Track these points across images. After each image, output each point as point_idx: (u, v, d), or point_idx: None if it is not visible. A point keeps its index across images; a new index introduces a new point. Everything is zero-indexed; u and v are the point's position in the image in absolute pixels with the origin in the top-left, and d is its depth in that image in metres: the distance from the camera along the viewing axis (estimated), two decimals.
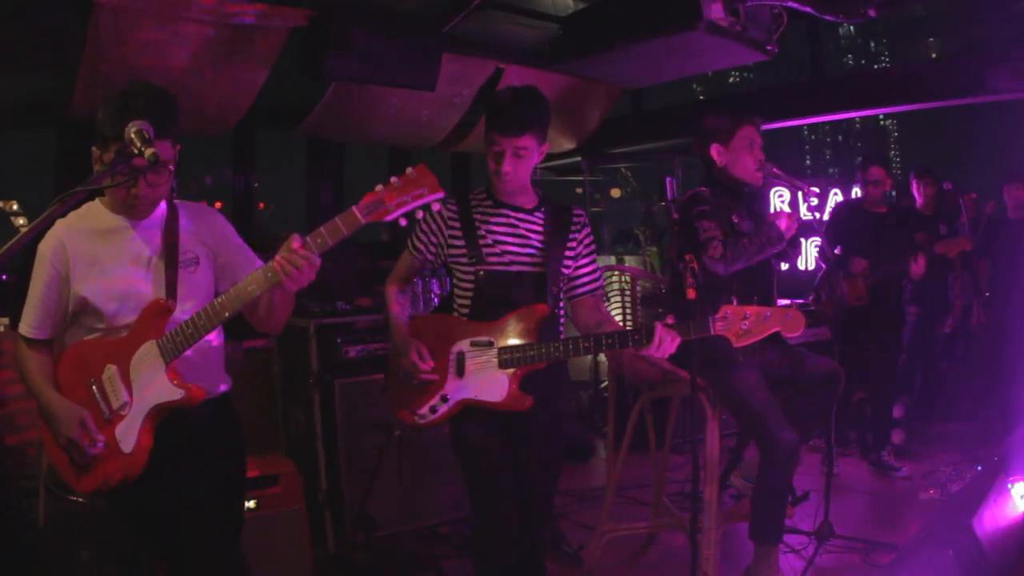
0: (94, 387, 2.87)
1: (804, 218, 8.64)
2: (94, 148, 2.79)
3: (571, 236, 3.51)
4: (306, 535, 4.65)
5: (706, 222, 4.20)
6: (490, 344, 3.34)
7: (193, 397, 2.85)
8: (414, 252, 3.55)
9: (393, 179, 2.75)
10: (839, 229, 6.60)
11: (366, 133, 7.12)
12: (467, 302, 3.44)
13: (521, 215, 3.47)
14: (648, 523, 5.07)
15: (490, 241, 3.41)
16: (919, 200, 7.52)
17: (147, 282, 2.91)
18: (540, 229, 3.47)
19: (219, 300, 2.83)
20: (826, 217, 7.58)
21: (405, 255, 3.60)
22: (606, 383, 8.28)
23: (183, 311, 2.91)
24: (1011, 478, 4.27)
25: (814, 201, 4.70)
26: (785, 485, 4.26)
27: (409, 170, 2.76)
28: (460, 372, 3.36)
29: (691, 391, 3.62)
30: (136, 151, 2.48)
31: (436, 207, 2.94)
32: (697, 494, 3.58)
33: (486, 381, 3.33)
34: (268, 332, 3.27)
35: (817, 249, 7.09)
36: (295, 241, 2.71)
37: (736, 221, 4.29)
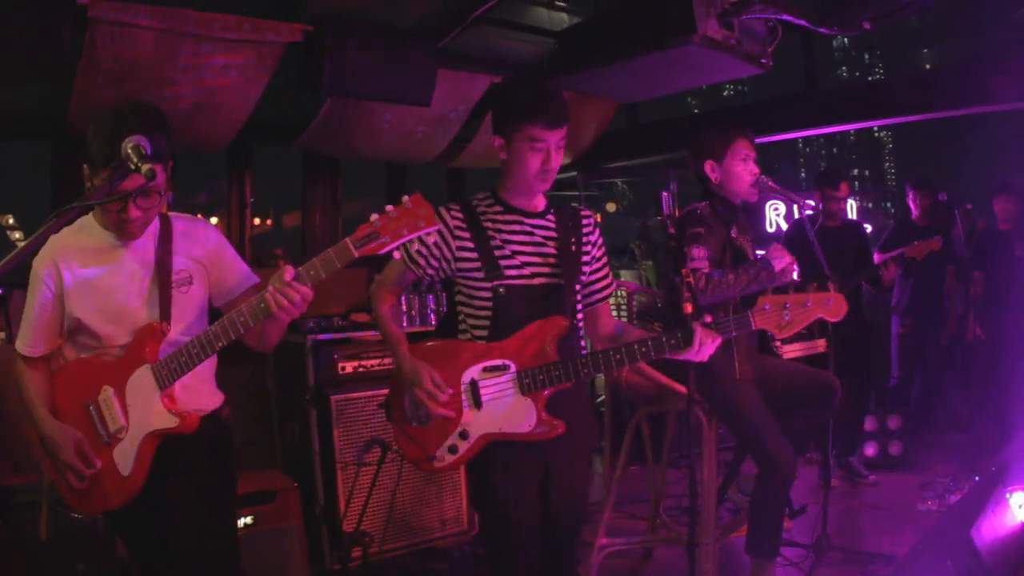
0: (91, 409, 2.87)
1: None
2: (85, 167, 2.78)
3: (585, 239, 3.26)
4: (303, 551, 4.65)
5: (695, 248, 4.12)
6: (506, 367, 3.03)
7: (188, 425, 2.86)
8: (411, 265, 3.15)
9: (389, 208, 2.68)
10: (797, 247, 6.61)
11: (361, 149, 7.13)
12: (484, 323, 3.10)
13: (535, 220, 3.18)
14: (645, 537, 5.06)
15: (508, 252, 3.10)
16: (914, 211, 7.55)
17: (141, 303, 2.91)
18: (555, 235, 3.18)
19: (212, 330, 2.82)
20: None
21: (396, 266, 3.21)
22: (602, 397, 8.28)
23: (176, 332, 2.93)
24: (1009, 488, 4.26)
25: (807, 214, 4.71)
26: (782, 498, 4.26)
27: (405, 199, 2.69)
28: (476, 403, 3.04)
29: (688, 405, 3.61)
30: (133, 167, 2.47)
31: (433, 239, 2.88)
32: (694, 508, 3.56)
33: (509, 410, 3.02)
34: (260, 350, 3.18)
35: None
36: (288, 273, 2.68)
37: (734, 236, 4.28)
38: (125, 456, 2.84)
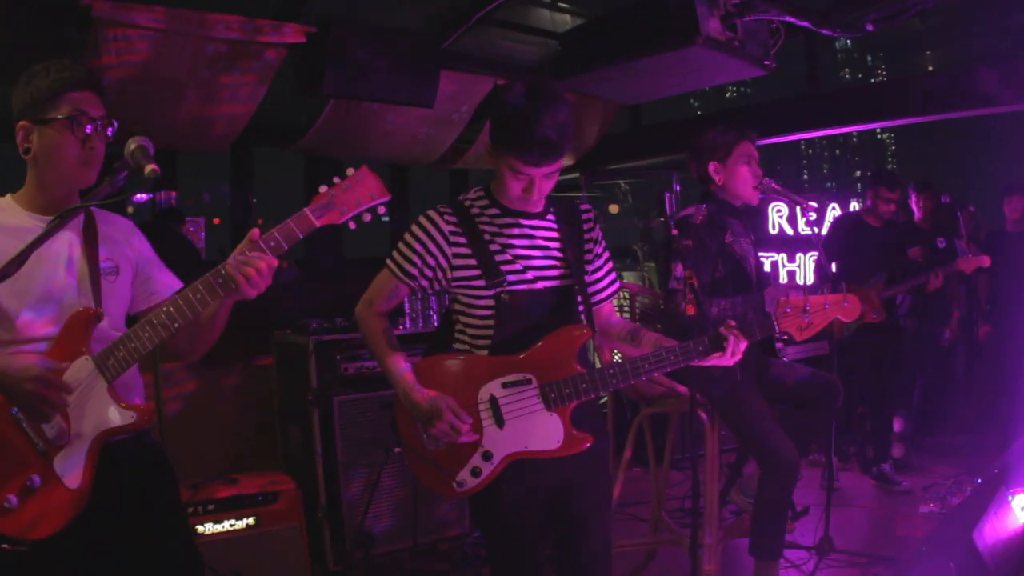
0: (19, 415, 2.44)
1: (803, 233, 8.71)
2: (24, 123, 2.55)
3: (586, 236, 3.06)
4: (305, 552, 4.65)
5: (677, 266, 4.09)
6: (528, 381, 2.84)
7: (145, 419, 2.56)
8: (403, 278, 2.91)
9: (336, 180, 2.60)
10: (841, 243, 6.62)
11: (364, 150, 7.13)
12: (487, 332, 2.89)
13: (534, 222, 2.96)
14: (647, 539, 5.05)
15: (508, 257, 2.88)
16: (917, 214, 7.54)
17: (69, 288, 2.59)
18: (557, 235, 2.98)
19: (165, 311, 2.51)
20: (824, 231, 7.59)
21: (386, 279, 2.97)
22: (605, 399, 8.28)
23: (106, 324, 2.61)
24: (1011, 490, 4.26)
25: (812, 216, 4.70)
26: (785, 500, 4.25)
27: (351, 171, 2.62)
28: (499, 421, 2.83)
29: (690, 407, 3.60)
30: (135, 166, 2.44)
31: (383, 211, 2.70)
32: (697, 510, 3.55)
33: (535, 426, 2.83)
34: (189, 358, 2.85)
35: (815, 265, 7.07)
36: (254, 234, 2.51)
37: (729, 241, 4.26)
38: (70, 466, 2.45)
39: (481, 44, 6.67)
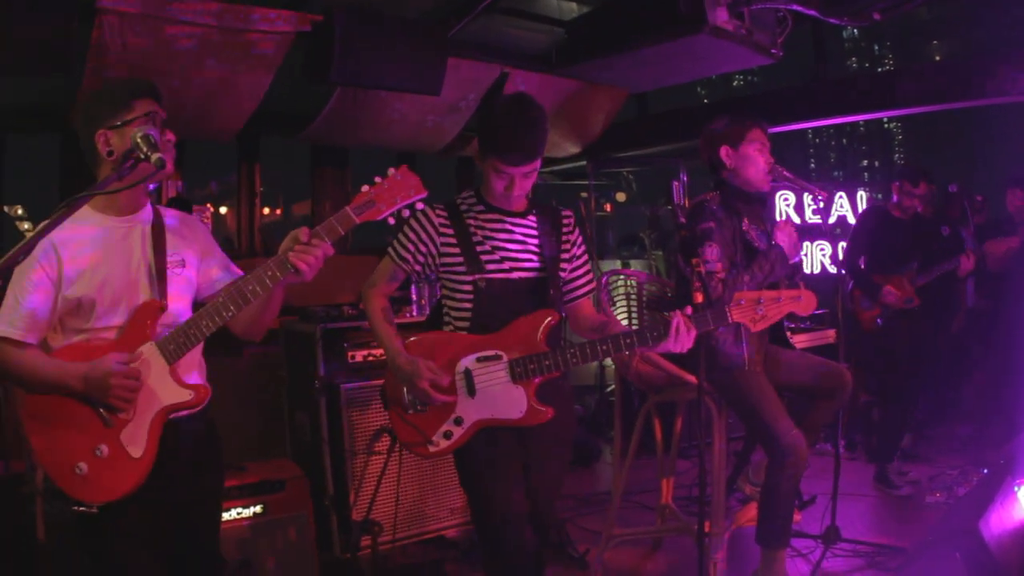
0: None
1: (810, 221, 8.70)
2: (103, 131, 2.72)
3: (564, 237, 3.43)
4: (312, 539, 4.66)
5: (709, 248, 4.07)
6: (499, 357, 3.21)
7: (201, 397, 2.85)
8: (399, 262, 3.37)
9: (378, 179, 2.84)
10: (869, 235, 6.59)
11: (371, 138, 7.13)
12: (466, 315, 3.30)
13: (515, 219, 3.36)
14: (654, 527, 5.06)
15: (488, 248, 3.29)
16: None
17: (139, 280, 2.83)
18: (535, 233, 3.37)
19: (219, 300, 2.79)
20: (832, 221, 7.58)
21: (387, 264, 3.42)
22: (612, 387, 8.29)
23: (172, 313, 2.87)
24: (1018, 481, 4.26)
25: (821, 204, 4.69)
26: (792, 489, 4.25)
27: (391, 171, 2.85)
28: (471, 391, 3.22)
29: (698, 395, 3.60)
30: (143, 156, 2.49)
31: (420, 206, 3.02)
32: (704, 498, 3.56)
33: (501, 398, 3.21)
34: (251, 338, 3.13)
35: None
36: (304, 234, 2.76)
37: (746, 228, 4.25)
38: (134, 438, 2.74)
39: (488, 32, 6.65)
